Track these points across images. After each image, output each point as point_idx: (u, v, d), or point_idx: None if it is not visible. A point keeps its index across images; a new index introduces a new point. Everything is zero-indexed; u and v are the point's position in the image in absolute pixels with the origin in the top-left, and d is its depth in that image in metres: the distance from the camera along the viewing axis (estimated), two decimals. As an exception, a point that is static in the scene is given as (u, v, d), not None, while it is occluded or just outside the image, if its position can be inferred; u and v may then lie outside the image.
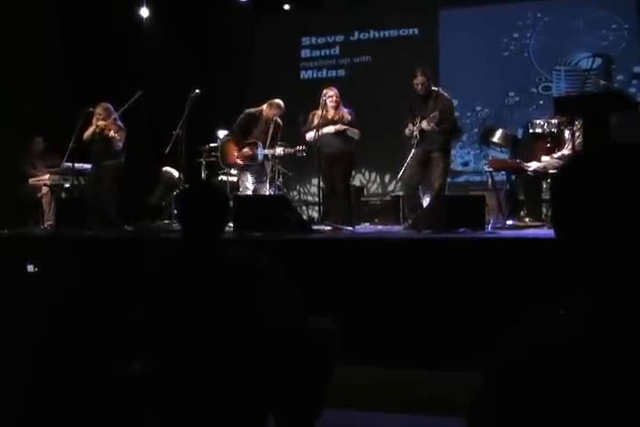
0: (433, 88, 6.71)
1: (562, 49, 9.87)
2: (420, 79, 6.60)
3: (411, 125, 6.66)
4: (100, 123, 7.62)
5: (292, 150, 7.18)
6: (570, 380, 0.97)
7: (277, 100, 7.37)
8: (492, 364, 1.07)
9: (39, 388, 3.11)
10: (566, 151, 6.62)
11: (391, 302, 4.27)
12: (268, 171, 7.57)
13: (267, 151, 7.26)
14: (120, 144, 7.65)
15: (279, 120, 7.43)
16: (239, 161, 7.34)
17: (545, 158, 6.69)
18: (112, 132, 7.53)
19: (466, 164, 10.25)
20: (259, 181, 7.38)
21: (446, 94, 6.75)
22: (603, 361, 0.96)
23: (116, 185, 7.68)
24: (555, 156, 6.67)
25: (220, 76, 9.84)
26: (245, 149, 7.27)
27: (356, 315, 4.14)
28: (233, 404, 2.31)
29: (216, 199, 2.56)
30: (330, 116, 6.91)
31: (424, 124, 6.54)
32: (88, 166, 8.11)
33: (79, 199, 8.00)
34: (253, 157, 7.23)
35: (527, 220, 6.45)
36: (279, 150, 7.28)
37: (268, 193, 7.47)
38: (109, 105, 7.74)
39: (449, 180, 7.40)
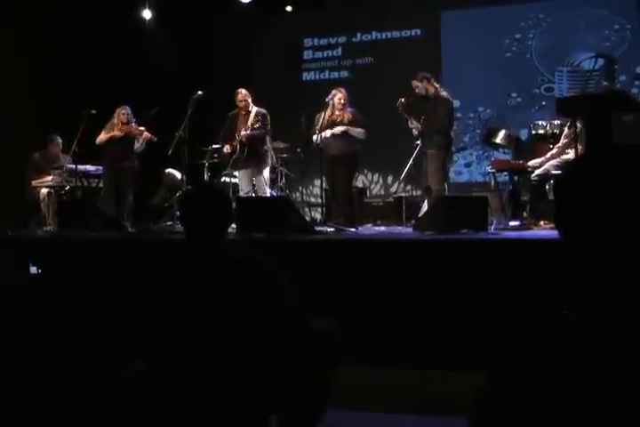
0: (437, 88, 6.84)
1: (564, 50, 9.87)
2: (414, 83, 6.84)
3: (414, 121, 6.86)
4: (125, 126, 7.76)
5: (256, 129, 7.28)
6: (579, 380, 0.97)
7: (238, 90, 7.52)
8: (498, 364, 1.07)
9: (41, 388, 3.12)
10: (556, 150, 6.65)
11: (394, 303, 4.27)
12: (269, 162, 7.60)
13: (242, 133, 7.29)
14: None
15: (260, 110, 7.46)
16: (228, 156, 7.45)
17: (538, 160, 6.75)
18: (144, 133, 7.76)
19: (468, 165, 10.25)
20: (256, 172, 7.40)
21: (445, 94, 6.86)
22: (612, 361, 0.96)
23: (134, 187, 7.80)
24: (547, 155, 6.69)
25: (222, 77, 9.83)
26: (226, 146, 7.41)
27: (358, 316, 4.14)
28: (236, 404, 2.31)
29: (219, 201, 2.56)
30: (334, 118, 6.94)
31: (410, 124, 6.86)
32: (92, 168, 8.17)
33: (82, 201, 8.03)
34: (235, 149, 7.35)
35: (542, 223, 6.41)
36: (243, 132, 7.28)
37: (268, 184, 7.52)
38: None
39: (451, 180, 7.40)
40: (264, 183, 7.41)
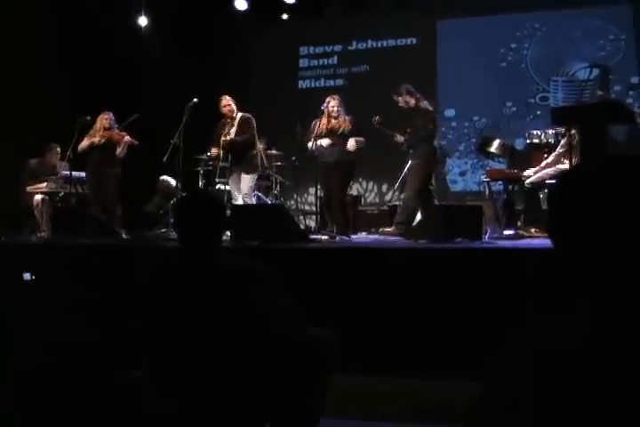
0: (418, 99, 7.03)
1: (559, 59, 9.91)
2: (395, 98, 7.11)
3: (397, 135, 7.14)
4: (106, 132, 7.72)
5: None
6: (574, 390, 0.96)
7: (222, 96, 7.52)
8: (493, 373, 1.07)
9: (40, 394, 3.10)
10: (551, 158, 6.68)
11: (388, 311, 4.27)
12: (258, 166, 7.53)
13: (222, 139, 7.30)
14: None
15: (244, 115, 7.44)
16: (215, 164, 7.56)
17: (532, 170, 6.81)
18: (125, 137, 7.71)
19: (463, 174, 10.27)
20: (249, 171, 7.33)
21: (425, 104, 7.06)
22: (608, 371, 0.95)
23: (119, 193, 7.76)
24: (542, 165, 6.72)
25: (218, 85, 9.84)
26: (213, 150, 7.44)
27: (353, 324, 4.13)
28: (230, 411, 2.30)
29: (213, 208, 2.56)
30: (330, 126, 6.89)
31: (395, 139, 7.18)
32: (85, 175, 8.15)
33: (76, 207, 8.00)
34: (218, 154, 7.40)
35: (533, 230, 6.44)
36: (227, 138, 7.30)
37: (252, 187, 7.44)
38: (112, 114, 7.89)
39: (446, 189, 7.43)
40: (247, 186, 7.28)
